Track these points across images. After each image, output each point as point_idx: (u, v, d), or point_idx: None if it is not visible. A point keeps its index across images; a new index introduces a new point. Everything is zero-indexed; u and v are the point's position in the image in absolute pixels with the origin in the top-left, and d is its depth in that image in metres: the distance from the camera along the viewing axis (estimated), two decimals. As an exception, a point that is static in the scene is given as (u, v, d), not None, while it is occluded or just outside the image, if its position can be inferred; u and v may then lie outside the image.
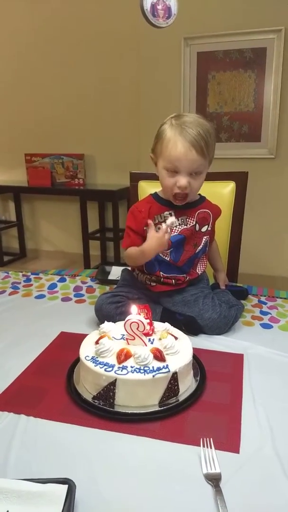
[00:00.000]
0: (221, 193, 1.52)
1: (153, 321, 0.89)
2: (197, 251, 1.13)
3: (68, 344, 1.02)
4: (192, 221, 1.11)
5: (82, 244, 3.57)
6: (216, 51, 2.93)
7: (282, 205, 3.07)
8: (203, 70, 3.01)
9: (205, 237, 1.15)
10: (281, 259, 3.22)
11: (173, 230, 1.09)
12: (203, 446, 0.67)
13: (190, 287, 1.14)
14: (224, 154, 3.01)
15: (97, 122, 3.53)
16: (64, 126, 3.64)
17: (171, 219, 1.03)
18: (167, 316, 1.06)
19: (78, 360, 0.88)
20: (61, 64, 3.50)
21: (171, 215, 1.09)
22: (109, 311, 1.06)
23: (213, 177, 1.54)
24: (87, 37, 3.36)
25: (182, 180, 1.03)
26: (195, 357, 0.87)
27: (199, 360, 0.90)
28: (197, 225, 1.12)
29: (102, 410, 0.76)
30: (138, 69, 3.17)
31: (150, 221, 1.07)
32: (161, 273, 1.12)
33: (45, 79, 3.59)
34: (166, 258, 1.11)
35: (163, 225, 1.03)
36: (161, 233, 1.02)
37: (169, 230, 1.03)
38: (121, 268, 1.32)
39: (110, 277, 1.46)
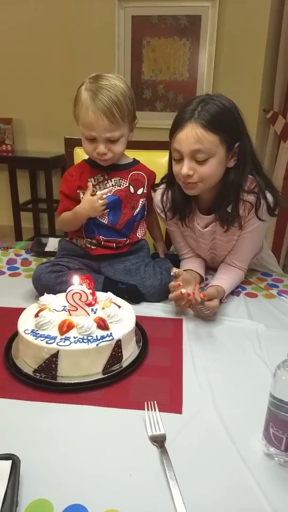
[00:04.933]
0: (158, 162, 1.51)
1: (95, 291, 0.87)
2: (135, 213, 1.14)
3: (3, 319, 0.97)
4: (125, 182, 1.12)
5: (13, 216, 3.38)
6: (151, 16, 2.85)
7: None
8: (138, 35, 2.91)
9: (142, 199, 1.16)
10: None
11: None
12: (147, 409, 0.68)
13: (131, 256, 1.14)
14: (160, 124, 2.96)
15: (26, 84, 3.29)
16: (-12, 87, 3.35)
17: (106, 190, 1.07)
18: (109, 286, 1.05)
19: (15, 334, 0.85)
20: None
21: (103, 177, 1.11)
22: (49, 281, 1.02)
23: (149, 146, 1.53)
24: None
25: (100, 147, 1.03)
26: (137, 324, 0.88)
27: (141, 326, 0.91)
28: (131, 187, 1.13)
29: (44, 383, 0.74)
30: (70, 30, 2.99)
31: (89, 184, 1.08)
32: (101, 237, 1.11)
33: None
34: (104, 221, 1.11)
35: (98, 193, 1.04)
36: (95, 197, 1.03)
37: (103, 197, 1.04)
38: (58, 239, 1.28)
39: (47, 249, 1.40)
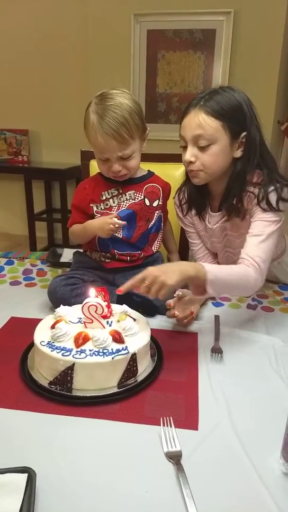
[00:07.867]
0: (173, 175, 1.52)
1: (110, 304, 0.87)
2: (149, 226, 1.14)
3: (19, 329, 0.98)
4: (140, 195, 1.13)
5: (28, 225, 3.43)
6: (166, 30, 2.89)
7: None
8: (153, 48, 2.95)
9: (157, 211, 1.16)
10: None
11: (121, 205, 1.11)
12: (163, 425, 0.68)
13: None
14: (173, 136, 2.98)
15: (42, 96, 3.36)
16: (6, 99, 3.42)
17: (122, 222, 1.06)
18: (123, 298, 1.04)
19: (31, 345, 0.85)
20: (6, 33, 3.27)
21: (118, 191, 1.11)
22: (64, 294, 1.03)
23: (163, 158, 1.54)
24: (33, 9, 3.15)
25: (114, 166, 1.05)
26: (152, 337, 0.88)
27: (156, 340, 0.90)
28: (146, 199, 1.13)
29: (59, 395, 0.74)
30: (87, 44, 3.05)
31: (116, 212, 1.09)
32: (115, 251, 1.11)
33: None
34: (118, 235, 1.11)
35: (115, 219, 1.04)
36: (108, 220, 1.03)
37: (115, 220, 1.04)
38: (74, 250, 1.29)
39: (62, 259, 1.42)
